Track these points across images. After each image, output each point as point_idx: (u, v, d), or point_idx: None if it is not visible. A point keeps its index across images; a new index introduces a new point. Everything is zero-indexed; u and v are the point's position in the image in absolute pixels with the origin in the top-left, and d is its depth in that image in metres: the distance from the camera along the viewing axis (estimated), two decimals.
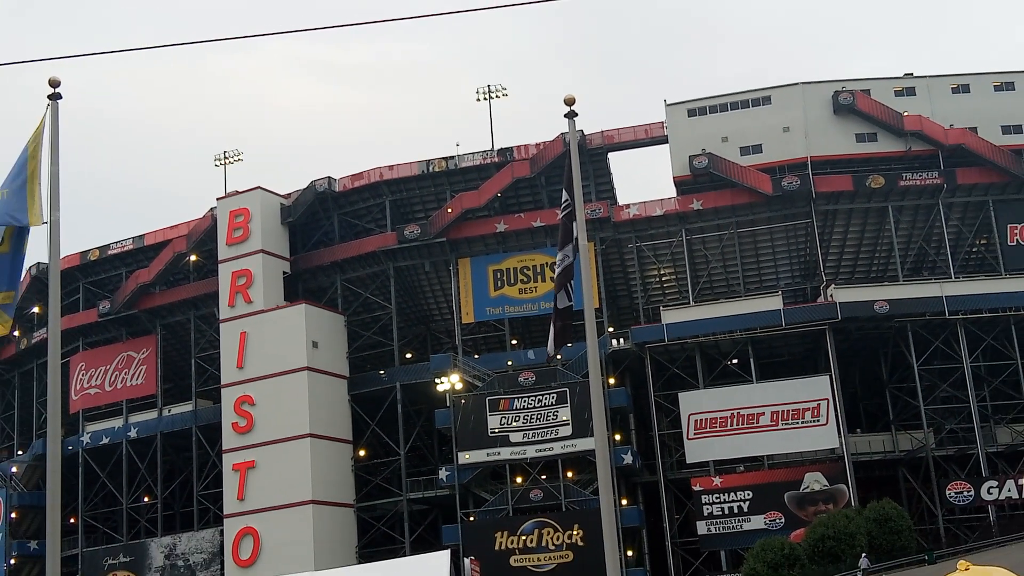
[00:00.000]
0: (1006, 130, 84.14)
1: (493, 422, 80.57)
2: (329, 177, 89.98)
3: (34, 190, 18.71)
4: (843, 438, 78.04)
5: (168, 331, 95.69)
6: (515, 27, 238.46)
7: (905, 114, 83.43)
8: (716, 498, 78.50)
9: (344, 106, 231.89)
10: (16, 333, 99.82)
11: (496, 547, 78.13)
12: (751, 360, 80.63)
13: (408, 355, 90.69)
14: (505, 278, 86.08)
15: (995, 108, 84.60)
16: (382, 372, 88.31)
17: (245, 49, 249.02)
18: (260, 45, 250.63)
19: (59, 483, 18.02)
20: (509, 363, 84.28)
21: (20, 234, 18.81)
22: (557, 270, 19.81)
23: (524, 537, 78.36)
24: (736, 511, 77.91)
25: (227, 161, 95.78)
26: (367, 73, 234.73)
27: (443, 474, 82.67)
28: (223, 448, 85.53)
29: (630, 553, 79.00)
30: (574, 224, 19.74)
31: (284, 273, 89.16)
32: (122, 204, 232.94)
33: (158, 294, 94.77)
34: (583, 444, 77.14)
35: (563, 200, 19.99)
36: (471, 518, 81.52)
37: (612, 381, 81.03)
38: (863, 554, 62.82)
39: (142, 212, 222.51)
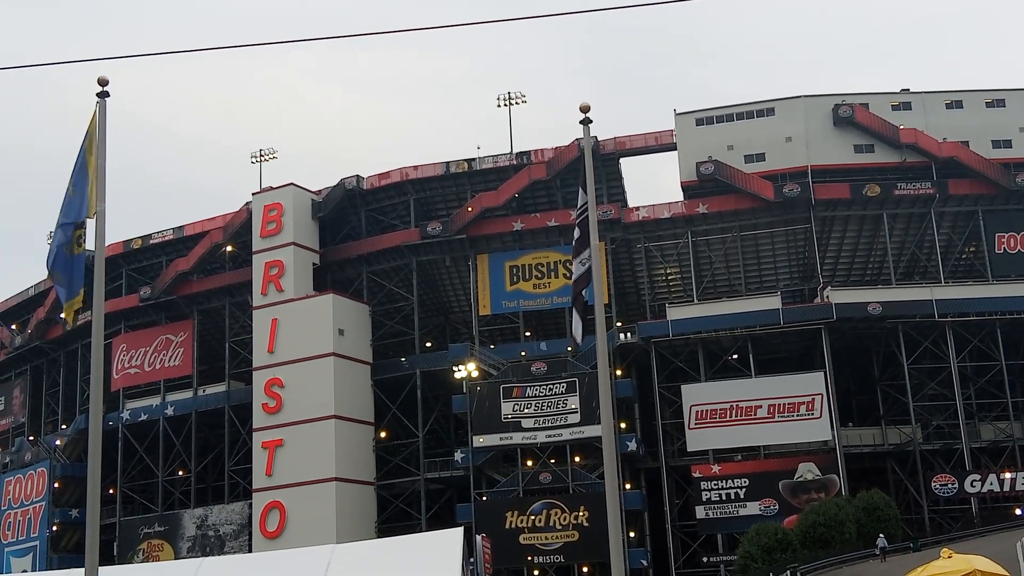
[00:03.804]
0: (996, 144, 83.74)
1: (506, 408, 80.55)
2: (357, 175, 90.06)
3: (93, 185, 18.80)
4: (835, 431, 77.82)
5: (204, 316, 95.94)
6: (535, 40, 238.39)
7: (901, 127, 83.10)
8: (714, 485, 78.37)
9: (373, 110, 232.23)
10: (62, 315, 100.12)
11: (507, 525, 78.18)
12: (750, 356, 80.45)
13: (428, 344, 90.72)
14: (520, 274, 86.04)
15: (986, 123, 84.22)
16: (403, 359, 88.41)
17: (283, 56, 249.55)
18: (297, 52, 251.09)
19: (99, 456, 18.05)
20: (522, 353, 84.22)
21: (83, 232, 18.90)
22: (580, 269, 19.66)
23: (533, 517, 78.36)
24: (733, 497, 77.78)
25: (263, 159, 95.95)
26: (396, 80, 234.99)
27: (458, 456, 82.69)
28: (253, 427, 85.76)
29: (632, 534, 78.93)
30: (588, 225, 19.65)
31: (314, 264, 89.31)
32: (164, 197, 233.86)
33: (195, 282, 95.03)
34: (590, 431, 77.04)
35: (580, 203, 19.90)
36: (484, 498, 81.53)
37: (619, 373, 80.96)
38: (880, 535, 62.57)
39: (182, 205, 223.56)
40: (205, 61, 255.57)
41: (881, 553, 60.91)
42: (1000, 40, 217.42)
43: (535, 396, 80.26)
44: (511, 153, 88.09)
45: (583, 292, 19.62)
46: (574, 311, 19.96)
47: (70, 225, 18.71)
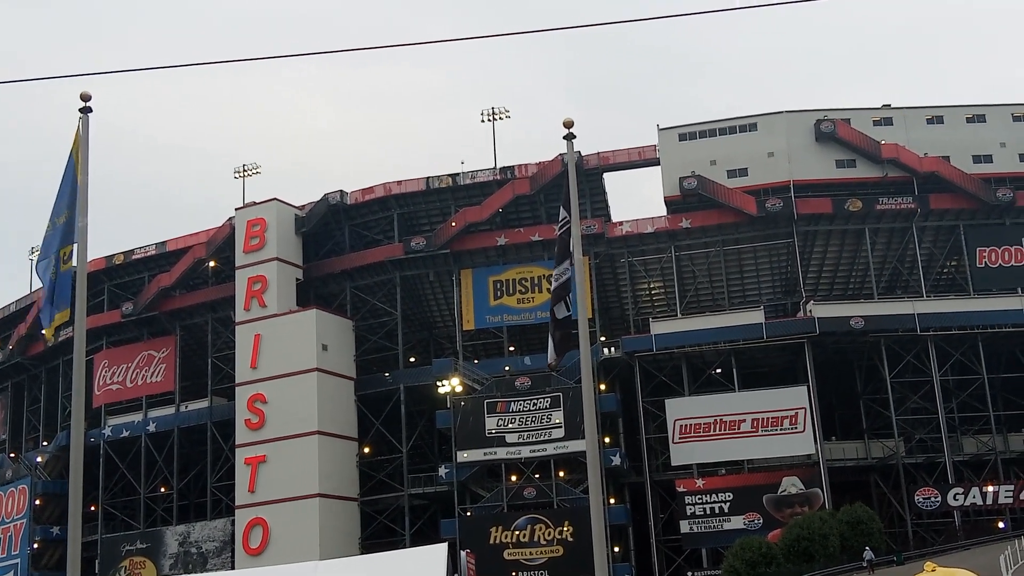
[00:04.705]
0: (977, 159, 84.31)
1: (490, 423, 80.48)
2: (341, 191, 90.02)
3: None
4: (819, 445, 77.97)
5: (187, 332, 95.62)
6: (519, 55, 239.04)
7: (882, 143, 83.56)
8: (698, 499, 78.39)
9: (357, 125, 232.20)
10: (44, 331, 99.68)
11: (491, 541, 78.00)
12: (734, 370, 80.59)
13: (412, 359, 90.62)
14: (504, 288, 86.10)
15: (967, 139, 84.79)
16: (387, 374, 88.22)
17: (266, 71, 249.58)
18: (280, 67, 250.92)
19: (81, 473, 17.97)
20: (506, 368, 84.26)
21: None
22: (555, 283, 19.74)
23: (518, 532, 78.25)
24: (717, 511, 77.80)
25: (246, 174, 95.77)
26: (380, 95, 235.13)
27: (442, 471, 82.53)
28: (236, 443, 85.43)
29: (617, 549, 78.85)
30: (571, 240, 19.72)
31: (297, 280, 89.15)
32: (146, 212, 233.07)
33: (178, 297, 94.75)
34: (574, 446, 77.03)
35: (561, 218, 19.98)
36: (468, 513, 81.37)
37: (603, 387, 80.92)
38: (867, 547, 62.78)
39: (165, 220, 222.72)
40: (188, 75, 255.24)
41: (868, 565, 61.09)
42: (982, 56, 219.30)
43: (519, 411, 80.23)
44: (495, 168, 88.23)
45: (555, 307, 19.64)
46: (550, 330, 19.99)
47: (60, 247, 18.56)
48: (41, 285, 19.01)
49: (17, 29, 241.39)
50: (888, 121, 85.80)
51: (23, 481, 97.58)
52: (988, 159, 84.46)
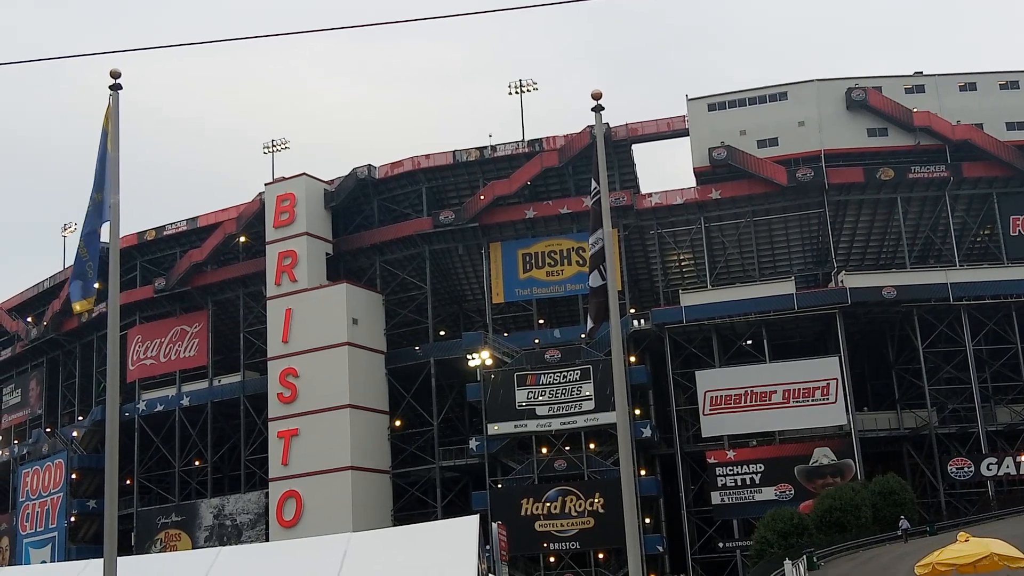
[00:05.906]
0: (1010, 126, 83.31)
1: (521, 396, 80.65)
2: (369, 165, 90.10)
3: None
4: (851, 416, 77.66)
5: (219, 307, 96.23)
6: (545, 27, 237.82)
7: (914, 110, 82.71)
8: (729, 470, 78.36)
9: (383, 101, 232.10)
10: (77, 307, 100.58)
11: (522, 513, 78.32)
12: (765, 341, 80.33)
13: (442, 332, 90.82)
14: (533, 261, 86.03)
15: (1000, 105, 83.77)
16: (417, 348, 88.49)
17: (294, 47, 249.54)
18: (308, 43, 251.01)
19: (116, 447, 18.12)
20: (536, 341, 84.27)
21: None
22: (592, 251, 19.71)
23: (548, 504, 78.49)
24: (748, 483, 77.76)
25: (275, 149, 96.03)
26: (407, 70, 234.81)
27: (473, 444, 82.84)
28: (269, 416, 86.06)
29: (648, 520, 79.01)
30: (601, 212, 19.61)
31: (327, 254, 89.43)
32: (177, 189, 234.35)
33: (210, 272, 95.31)
34: (605, 418, 77.07)
35: (593, 188, 19.92)
36: (499, 485, 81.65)
37: (633, 359, 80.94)
38: (901, 517, 62.76)
39: (195, 196, 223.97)
40: (217, 52, 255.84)
41: (904, 534, 61.05)
42: (1016, 22, 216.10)
43: (549, 383, 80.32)
44: (523, 141, 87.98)
45: (596, 272, 19.59)
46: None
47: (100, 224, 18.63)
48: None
49: (49, 14, 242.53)
50: (920, 89, 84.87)
51: (59, 455, 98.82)
52: (1022, 126, 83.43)
